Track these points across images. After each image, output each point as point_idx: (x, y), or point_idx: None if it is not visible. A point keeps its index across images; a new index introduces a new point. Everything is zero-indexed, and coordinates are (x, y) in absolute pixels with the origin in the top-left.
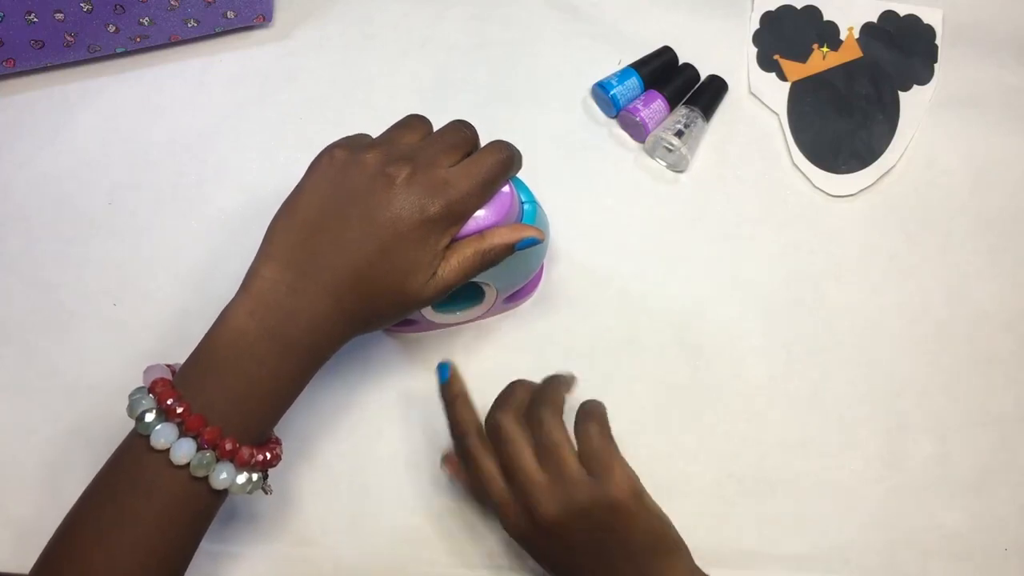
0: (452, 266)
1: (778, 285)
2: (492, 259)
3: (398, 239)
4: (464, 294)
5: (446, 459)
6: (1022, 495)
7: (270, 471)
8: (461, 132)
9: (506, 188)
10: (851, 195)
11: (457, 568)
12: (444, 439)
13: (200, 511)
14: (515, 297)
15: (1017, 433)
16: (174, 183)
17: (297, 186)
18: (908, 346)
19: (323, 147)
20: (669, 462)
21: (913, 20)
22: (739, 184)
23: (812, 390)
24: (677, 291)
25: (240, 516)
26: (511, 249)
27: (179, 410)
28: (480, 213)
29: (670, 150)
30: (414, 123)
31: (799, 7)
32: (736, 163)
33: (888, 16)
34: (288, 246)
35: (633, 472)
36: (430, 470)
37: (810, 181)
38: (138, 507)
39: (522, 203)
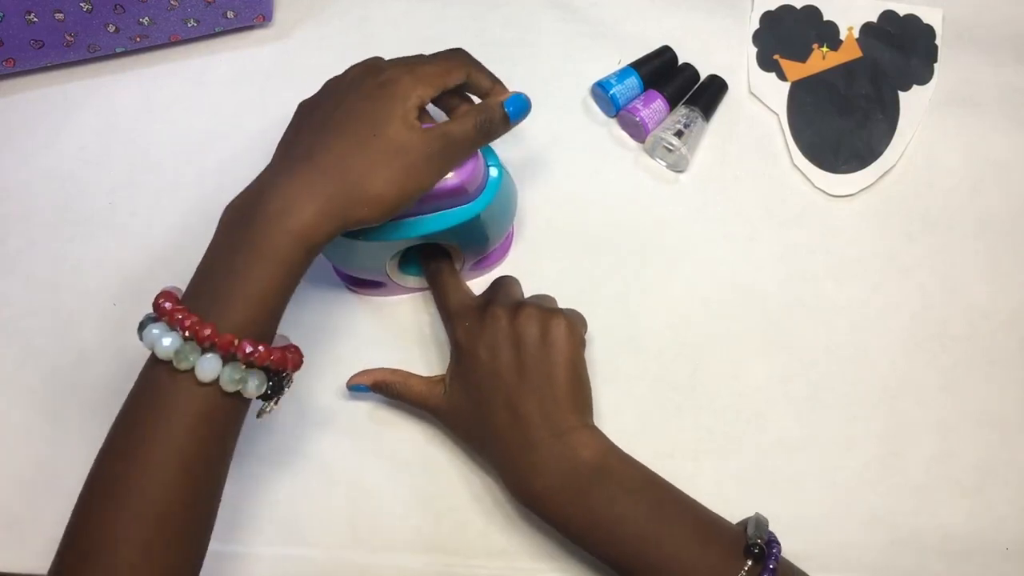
0: (455, 125)
1: (778, 285)
2: (489, 125)
3: (360, 100)
4: (431, 257)
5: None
6: (1022, 495)
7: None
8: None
9: None
10: (851, 195)
11: (456, 567)
12: (441, 434)
13: (231, 417)
14: (484, 263)
15: (1017, 433)
16: (174, 183)
17: None
18: (908, 346)
19: None
20: (669, 462)
21: (913, 20)
22: (739, 184)
23: (812, 390)
24: (677, 291)
25: (240, 516)
26: (506, 117)
27: (207, 332)
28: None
29: (670, 150)
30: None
31: (799, 7)
32: (736, 163)
33: (888, 16)
34: (278, 149)
35: (580, 331)
36: (428, 468)
37: (810, 181)
38: (170, 426)
39: (487, 166)
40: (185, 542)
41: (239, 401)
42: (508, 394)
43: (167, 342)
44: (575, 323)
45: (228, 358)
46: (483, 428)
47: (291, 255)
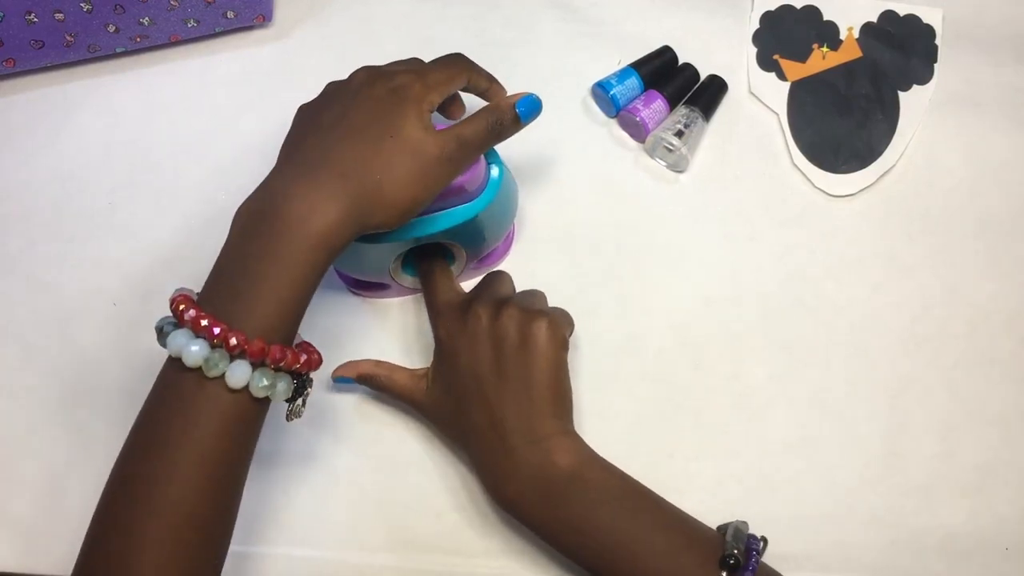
0: (467, 127)
1: (778, 285)
2: (500, 127)
3: (373, 103)
4: (427, 256)
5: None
6: (1022, 495)
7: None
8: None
9: None
10: (851, 195)
11: (456, 567)
12: (437, 435)
13: (252, 417)
14: (485, 261)
15: (1017, 432)
16: (174, 183)
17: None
18: (908, 346)
19: None
20: (670, 462)
21: (913, 20)
22: (739, 184)
23: (812, 390)
24: (677, 291)
25: (240, 516)
26: (517, 118)
27: (235, 340)
28: None
29: (670, 150)
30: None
31: (799, 7)
32: (736, 163)
33: (888, 16)
34: (285, 152)
35: (563, 333)
36: (428, 468)
37: (810, 181)
38: (197, 428)
39: (488, 165)
40: (209, 544)
41: (263, 404)
42: (486, 396)
43: (195, 349)
44: (558, 324)
45: (256, 364)
46: (462, 427)
47: (312, 260)
